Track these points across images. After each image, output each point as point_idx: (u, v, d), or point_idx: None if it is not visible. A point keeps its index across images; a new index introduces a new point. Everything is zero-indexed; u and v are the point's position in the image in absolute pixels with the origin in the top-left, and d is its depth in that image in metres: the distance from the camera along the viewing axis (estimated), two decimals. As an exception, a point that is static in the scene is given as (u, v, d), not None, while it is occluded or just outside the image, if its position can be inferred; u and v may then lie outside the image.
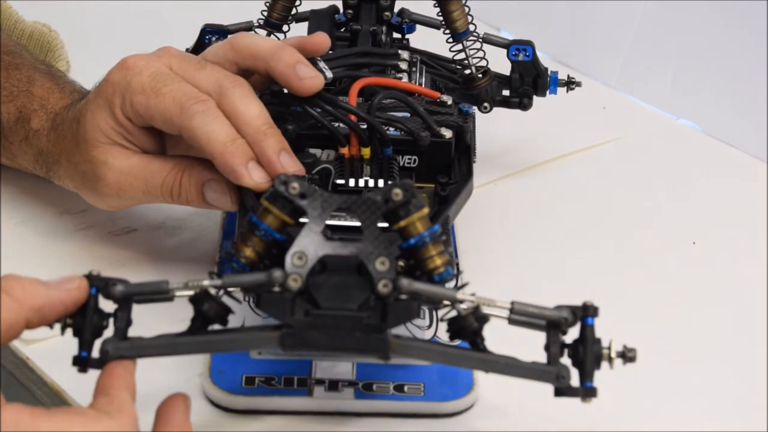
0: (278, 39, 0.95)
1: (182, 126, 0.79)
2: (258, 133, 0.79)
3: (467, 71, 0.95)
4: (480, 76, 0.95)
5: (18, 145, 0.89)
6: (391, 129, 0.84)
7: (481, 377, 0.77)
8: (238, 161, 0.78)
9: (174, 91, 0.80)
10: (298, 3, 0.95)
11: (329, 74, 0.85)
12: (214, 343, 0.70)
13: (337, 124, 0.82)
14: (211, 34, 0.97)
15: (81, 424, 0.63)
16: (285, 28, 0.95)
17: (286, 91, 0.82)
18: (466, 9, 0.94)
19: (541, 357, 0.69)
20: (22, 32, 1.04)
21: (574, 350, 0.70)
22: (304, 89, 0.81)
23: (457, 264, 0.82)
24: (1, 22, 1.04)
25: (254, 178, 0.78)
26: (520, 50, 0.97)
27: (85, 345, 0.68)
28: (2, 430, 0.62)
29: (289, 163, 0.79)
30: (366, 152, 0.82)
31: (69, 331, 0.68)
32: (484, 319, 0.70)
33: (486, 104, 0.96)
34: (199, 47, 0.97)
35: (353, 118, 0.82)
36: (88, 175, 0.84)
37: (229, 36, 0.87)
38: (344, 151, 0.82)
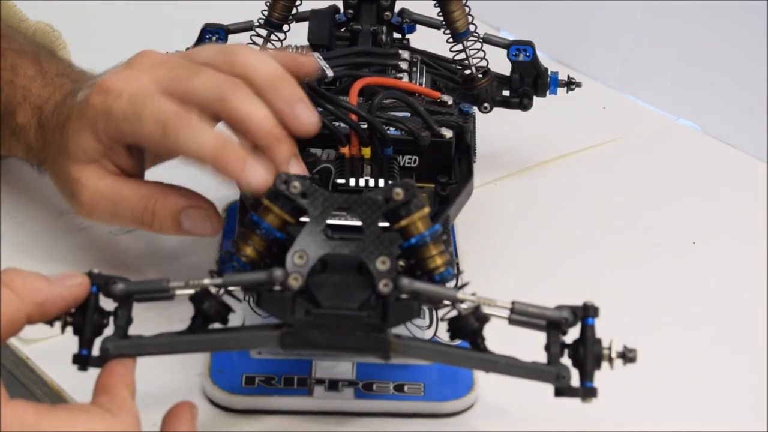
0: (277, 41, 0.95)
1: (170, 147, 0.78)
2: (268, 138, 0.77)
3: (467, 71, 0.95)
4: (480, 76, 0.96)
5: (9, 139, 0.89)
6: (392, 129, 0.84)
7: (481, 377, 0.77)
8: (235, 163, 0.76)
9: (155, 113, 0.77)
10: (298, 3, 0.95)
11: (330, 72, 0.85)
12: (214, 341, 0.70)
13: (337, 124, 0.82)
14: (211, 34, 0.97)
15: (84, 421, 0.63)
16: (285, 27, 0.95)
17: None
18: (467, 9, 0.94)
19: (541, 357, 0.69)
20: (26, 31, 1.04)
21: (574, 350, 0.70)
22: (300, 132, 0.78)
23: (457, 264, 0.82)
24: (1, 20, 1.04)
25: (252, 180, 0.75)
26: (520, 50, 0.97)
27: (85, 343, 0.68)
28: (5, 428, 0.62)
29: (297, 171, 0.77)
30: (366, 152, 0.82)
31: (69, 331, 0.68)
32: (484, 319, 0.70)
33: (486, 104, 0.96)
34: (199, 47, 0.97)
35: (354, 117, 0.82)
36: (65, 188, 0.83)
37: (227, 45, 0.84)
38: (345, 150, 0.82)
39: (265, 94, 0.78)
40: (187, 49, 0.97)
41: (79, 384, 0.70)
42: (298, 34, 0.96)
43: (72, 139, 0.81)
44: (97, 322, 0.68)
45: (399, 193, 0.70)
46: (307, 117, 0.78)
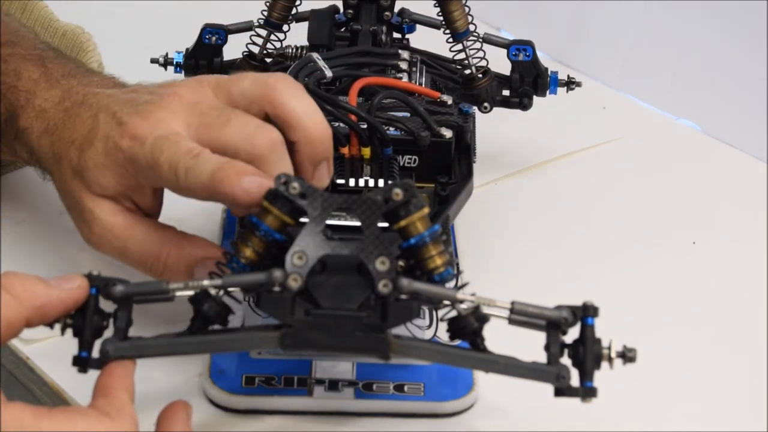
0: (277, 41, 0.95)
1: (182, 189, 0.75)
2: None
3: (467, 71, 0.95)
4: (480, 76, 0.96)
5: (13, 143, 0.87)
6: (392, 129, 0.84)
7: (481, 377, 0.77)
8: (230, 181, 0.72)
9: (169, 158, 0.74)
10: (298, 3, 0.95)
11: (329, 73, 0.85)
12: (214, 343, 0.70)
13: (337, 124, 0.82)
14: (211, 34, 0.97)
15: (83, 425, 0.63)
16: (285, 27, 0.95)
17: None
18: (466, 9, 0.94)
19: (541, 357, 0.69)
20: (56, 31, 1.03)
21: (574, 350, 0.70)
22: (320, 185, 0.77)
23: (457, 264, 0.82)
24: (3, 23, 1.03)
25: (247, 186, 0.72)
26: (520, 50, 0.97)
27: (85, 345, 0.68)
28: (4, 430, 0.62)
29: None
30: (366, 152, 0.82)
31: (69, 331, 0.68)
32: (484, 319, 0.70)
33: (486, 104, 0.96)
34: (199, 47, 0.97)
35: (353, 117, 0.82)
36: (75, 212, 0.81)
37: (266, 77, 0.77)
38: (344, 150, 0.82)
39: (301, 148, 0.76)
40: (187, 50, 0.98)
41: (79, 384, 0.70)
42: (297, 34, 0.96)
43: (93, 170, 0.78)
44: (96, 323, 0.68)
45: (398, 193, 0.70)
46: (325, 178, 0.78)
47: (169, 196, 0.79)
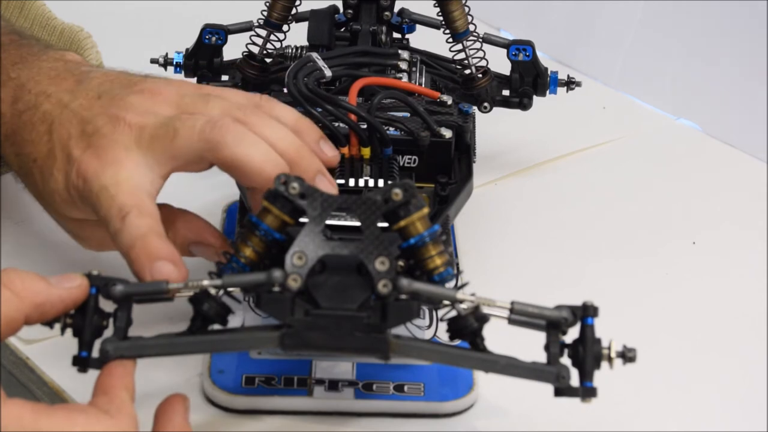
0: (277, 41, 0.95)
1: (215, 156, 0.76)
2: (266, 183, 0.72)
3: (467, 71, 0.95)
4: (480, 76, 0.95)
5: None
6: (391, 129, 0.84)
7: (481, 377, 0.77)
8: (140, 266, 0.72)
9: (104, 214, 0.74)
10: (298, 3, 0.95)
11: (328, 73, 0.85)
12: (214, 343, 0.70)
13: (337, 124, 0.82)
14: (211, 34, 0.97)
15: (82, 422, 0.63)
16: (285, 27, 0.95)
17: (285, 90, 0.83)
18: (466, 9, 0.94)
19: (541, 357, 0.69)
20: (54, 29, 1.03)
21: (574, 350, 0.70)
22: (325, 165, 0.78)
23: (457, 264, 0.82)
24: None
25: (155, 276, 0.71)
26: (520, 50, 0.97)
27: (85, 345, 0.68)
28: (4, 427, 0.62)
29: (326, 187, 0.76)
30: (366, 152, 0.82)
31: (69, 331, 0.68)
32: (484, 319, 0.70)
33: (486, 104, 0.96)
34: (199, 47, 0.97)
35: (353, 117, 0.82)
36: (66, 230, 0.81)
37: (211, 135, 0.75)
38: (344, 150, 0.82)
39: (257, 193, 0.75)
40: (187, 50, 0.98)
41: (78, 384, 0.70)
42: (297, 34, 0.96)
43: (58, 203, 0.77)
44: (96, 323, 0.68)
45: (398, 193, 0.70)
46: (331, 150, 0.79)
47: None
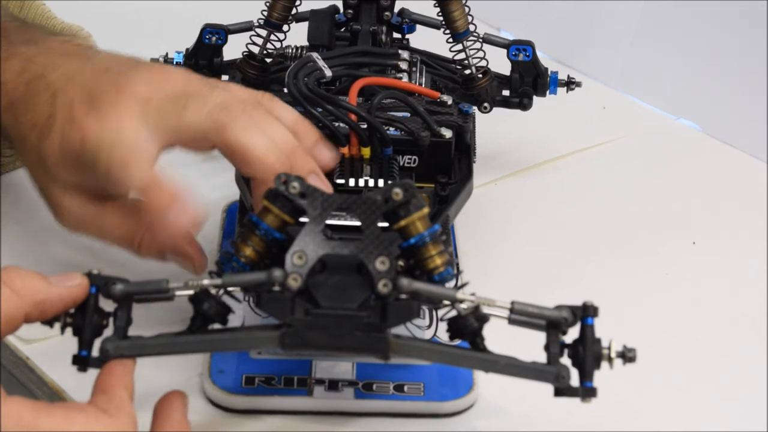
0: (277, 41, 0.95)
1: (218, 141, 0.77)
2: (268, 172, 0.74)
3: (467, 71, 0.95)
4: (480, 76, 0.96)
5: None
6: (391, 129, 0.84)
7: (481, 377, 0.77)
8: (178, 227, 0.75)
9: (136, 181, 0.75)
10: (298, 3, 0.95)
11: (328, 72, 0.85)
12: (214, 342, 0.70)
13: (337, 124, 0.82)
14: (211, 34, 0.97)
15: (81, 421, 0.63)
16: (285, 27, 0.95)
17: (285, 90, 0.83)
18: (466, 9, 0.94)
19: (541, 357, 0.69)
20: (53, 28, 1.03)
21: (574, 350, 0.70)
22: (322, 168, 0.79)
23: (457, 264, 0.82)
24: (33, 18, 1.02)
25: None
26: (520, 50, 0.97)
27: (85, 344, 0.68)
28: (3, 425, 0.62)
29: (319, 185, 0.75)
30: (366, 152, 0.82)
31: (69, 331, 0.68)
32: (484, 319, 0.70)
33: (486, 104, 0.96)
34: (199, 47, 0.97)
35: (353, 117, 0.82)
36: (48, 202, 0.80)
37: (219, 117, 0.76)
38: (344, 150, 0.82)
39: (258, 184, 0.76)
40: (187, 50, 0.98)
41: (78, 384, 0.69)
42: (297, 34, 0.96)
43: (52, 164, 0.77)
44: (96, 322, 0.68)
45: (398, 193, 0.70)
46: (329, 152, 0.80)
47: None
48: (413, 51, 0.95)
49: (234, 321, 0.71)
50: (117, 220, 0.78)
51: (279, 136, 0.76)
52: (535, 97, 0.98)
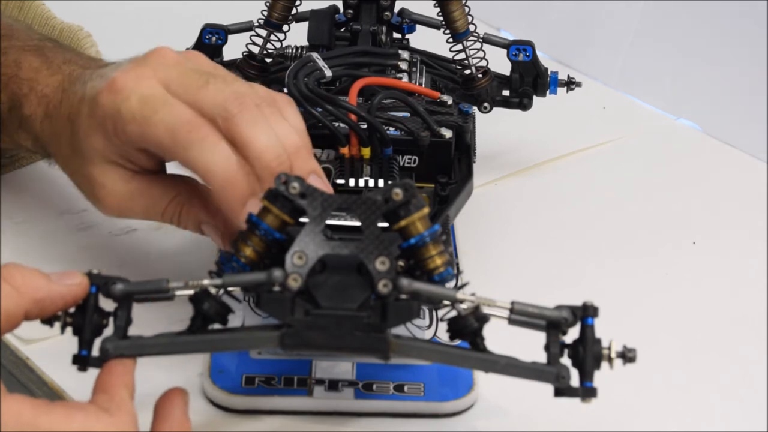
0: (277, 41, 0.95)
1: (178, 157, 0.76)
2: (264, 170, 0.74)
3: (467, 71, 0.95)
4: (480, 76, 0.96)
5: (17, 132, 0.86)
6: (391, 129, 0.84)
7: (481, 377, 0.77)
8: (235, 201, 0.74)
9: (166, 119, 0.75)
10: (298, 3, 0.95)
11: (328, 72, 0.85)
12: (214, 342, 0.70)
13: (337, 124, 0.82)
14: (211, 34, 0.97)
15: (81, 420, 0.63)
16: (285, 27, 0.95)
17: (285, 90, 0.83)
18: (466, 9, 0.94)
19: (541, 357, 0.69)
20: (53, 28, 1.03)
21: (574, 350, 0.70)
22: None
23: (457, 264, 0.82)
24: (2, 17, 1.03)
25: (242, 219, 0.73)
26: (520, 50, 0.97)
27: (85, 344, 0.68)
28: (3, 423, 0.62)
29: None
30: (366, 152, 0.82)
31: (69, 331, 0.68)
32: (484, 319, 0.70)
33: (486, 104, 0.96)
34: (199, 47, 0.97)
35: (353, 117, 0.82)
36: (86, 191, 0.81)
37: (229, 106, 0.76)
38: (344, 150, 0.82)
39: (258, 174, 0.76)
40: (188, 50, 0.97)
41: (78, 384, 0.69)
42: (297, 34, 0.96)
43: (85, 140, 0.79)
44: (96, 322, 0.68)
45: (398, 193, 0.70)
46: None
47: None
48: (413, 51, 0.95)
49: (234, 321, 0.71)
50: (161, 192, 0.80)
51: (285, 135, 0.76)
52: (535, 97, 0.98)
